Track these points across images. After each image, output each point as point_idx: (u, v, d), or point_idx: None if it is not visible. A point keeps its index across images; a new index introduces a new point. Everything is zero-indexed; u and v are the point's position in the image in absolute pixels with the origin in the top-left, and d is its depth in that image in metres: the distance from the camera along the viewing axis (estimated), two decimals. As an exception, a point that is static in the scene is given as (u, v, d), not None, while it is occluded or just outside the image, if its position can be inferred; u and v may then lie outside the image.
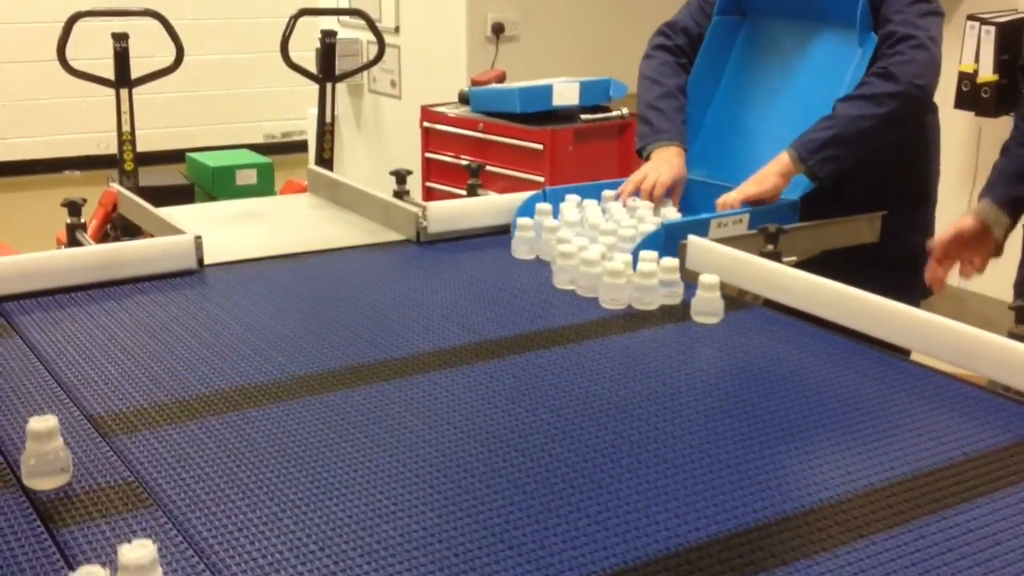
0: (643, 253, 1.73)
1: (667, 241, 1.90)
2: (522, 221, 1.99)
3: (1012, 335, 1.45)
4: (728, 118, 2.35)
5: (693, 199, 2.26)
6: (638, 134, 2.29)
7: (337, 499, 1.13)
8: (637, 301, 1.70)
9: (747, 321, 1.68)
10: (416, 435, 1.28)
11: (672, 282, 1.72)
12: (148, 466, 1.19)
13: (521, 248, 1.97)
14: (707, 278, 1.66)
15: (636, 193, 2.15)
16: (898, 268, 2.14)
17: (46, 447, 1.13)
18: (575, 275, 1.77)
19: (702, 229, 1.96)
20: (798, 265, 1.90)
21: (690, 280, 1.74)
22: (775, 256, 1.87)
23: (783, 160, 2.07)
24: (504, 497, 1.14)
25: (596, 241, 1.84)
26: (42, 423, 1.13)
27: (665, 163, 2.18)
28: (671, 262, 1.72)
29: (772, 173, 2.08)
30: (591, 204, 2.07)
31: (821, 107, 2.12)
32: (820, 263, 2.04)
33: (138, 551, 0.91)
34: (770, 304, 1.76)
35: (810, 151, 2.04)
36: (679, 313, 1.70)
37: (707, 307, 1.66)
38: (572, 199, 2.07)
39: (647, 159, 2.24)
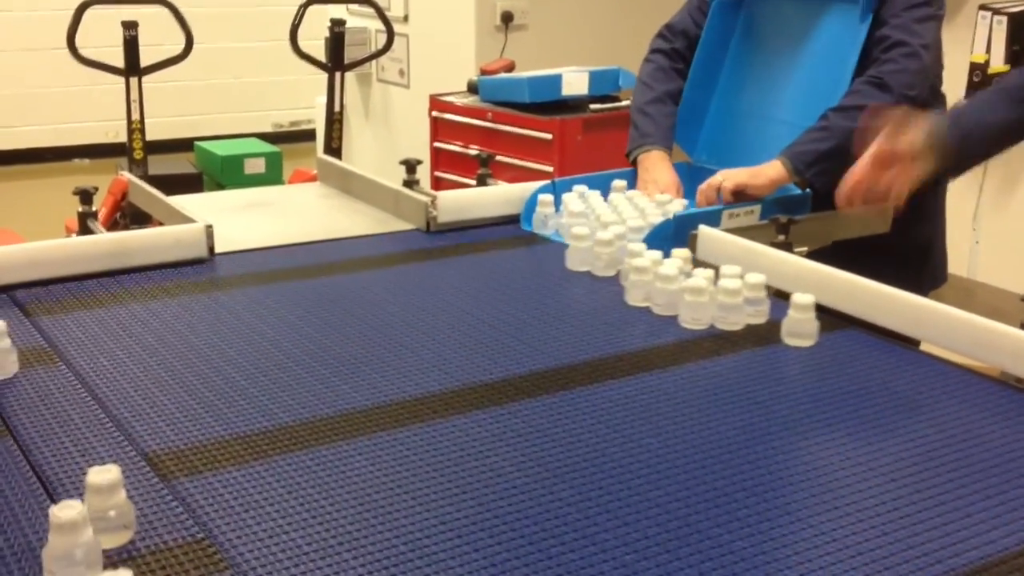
0: (725, 268, 1.63)
1: (677, 232, 1.89)
2: (543, 197, 2.03)
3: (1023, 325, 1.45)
4: (733, 103, 2.34)
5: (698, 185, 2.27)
6: (629, 136, 2.29)
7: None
8: (721, 321, 1.58)
9: (842, 344, 1.55)
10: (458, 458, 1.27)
11: (758, 300, 1.60)
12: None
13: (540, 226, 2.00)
14: (801, 298, 1.53)
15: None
16: (909, 257, 2.16)
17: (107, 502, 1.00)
18: (651, 291, 1.65)
19: (714, 220, 1.96)
20: (809, 255, 1.90)
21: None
22: (786, 246, 1.86)
23: (777, 168, 2.06)
24: (607, 556, 1.02)
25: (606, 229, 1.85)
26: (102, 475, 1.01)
27: (653, 177, 2.18)
28: (757, 278, 1.60)
29: (766, 177, 2.06)
30: (594, 195, 2.07)
31: (826, 88, 2.12)
32: (831, 253, 2.04)
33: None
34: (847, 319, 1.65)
35: (806, 164, 2.04)
36: (766, 333, 1.58)
37: (800, 328, 1.54)
38: (578, 189, 2.07)
39: (634, 163, 2.25)
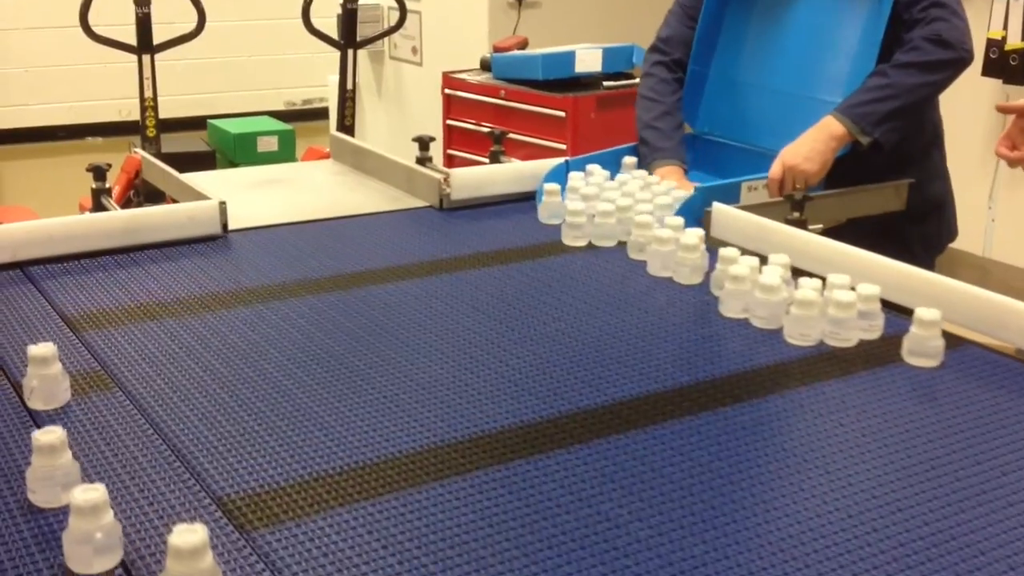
0: (833, 278, 1.48)
1: (704, 206, 1.90)
2: (549, 186, 1.96)
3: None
4: (731, 72, 2.33)
5: (707, 159, 2.26)
6: (639, 154, 2.27)
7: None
8: (832, 337, 1.44)
9: (970, 364, 1.40)
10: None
11: (872, 313, 1.45)
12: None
13: (547, 214, 1.93)
14: (925, 313, 1.38)
15: None
16: (927, 215, 2.20)
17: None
18: (750, 303, 1.51)
19: (734, 192, 1.96)
20: (824, 233, 1.89)
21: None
22: (801, 223, 1.85)
23: (835, 132, 2.03)
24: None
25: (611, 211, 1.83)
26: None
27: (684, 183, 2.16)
28: (871, 290, 1.45)
29: (825, 149, 2.02)
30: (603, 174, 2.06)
31: (821, 55, 2.11)
32: (846, 227, 2.05)
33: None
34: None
35: (873, 123, 2.02)
36: (882, 351, 1.42)
37: (924, 347, 1.38)
38: (588, 170, 2.06)
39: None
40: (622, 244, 1.80)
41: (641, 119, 2.32)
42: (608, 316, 1.53)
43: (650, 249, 1.70)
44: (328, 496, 1.06)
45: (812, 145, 2.02)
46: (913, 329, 1.40)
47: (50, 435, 1.02)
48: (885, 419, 1.25)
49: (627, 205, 1.84)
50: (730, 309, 1.54)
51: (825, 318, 1.43)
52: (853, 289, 1.46)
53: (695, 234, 1.66)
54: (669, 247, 1.67)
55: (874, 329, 1.46)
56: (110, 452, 1.13)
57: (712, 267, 1.63)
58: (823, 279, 1.50)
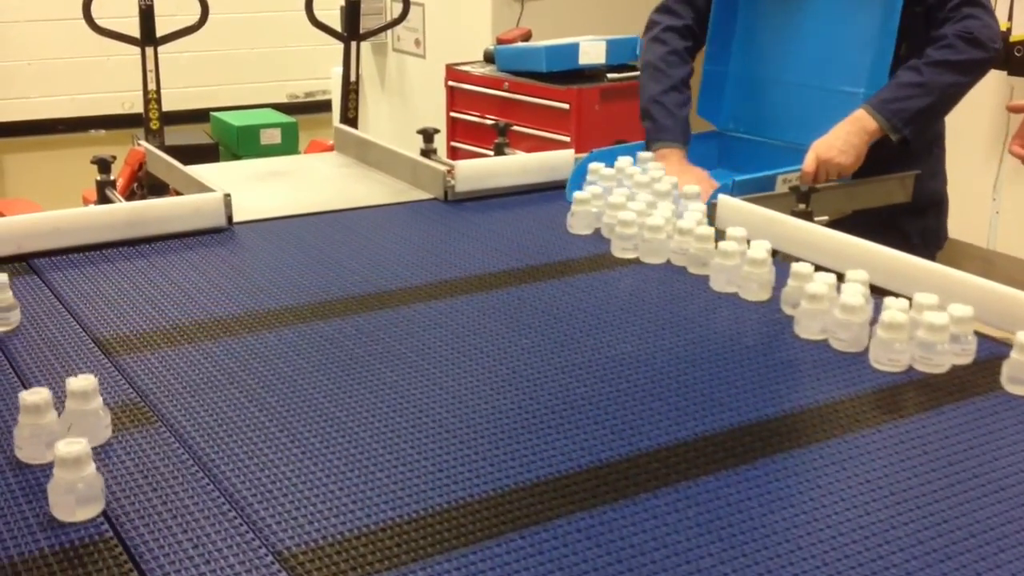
0: (920, 297, 1.38)
1: (737, 193, 1.91)
2: (580, 195, 1.87)
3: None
4: (750, 68, 2.32)
5: (732, 155, 2.25)
6: (644, 126, 2.25)
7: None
8: (923, 362, 1.33)
9: None
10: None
11: (964, 337, 1.35)
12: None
13: (579, 224, 1.83)
14: None
15: None
16: (925, 212, 2.20)
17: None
18: (829, 323, 1.40)
19: (770, 184, 1.98)
20: (830, 224, 1.89)
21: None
22: (807, 215, 1.85)
23: (868, 127, 2.02)
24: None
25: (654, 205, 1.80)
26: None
27: (690, 170, 2.14)
28: (964, 311, 1.34)
29: (859, 143, 2.02)
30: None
31: (839, 47, 2.11)
32: (857, 219, 2.05)
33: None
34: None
35: (904, 121, 2.02)
36: (978, 378, 1.32)
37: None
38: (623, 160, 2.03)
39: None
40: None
41: (646, 90, 2.27)
42: (674, 337, 1.43)
43: (714, 263, 1.59)
44: (397, 549, 0.96)
45: (846, 138, 2.02)
46: (1014, 355, 1.29)
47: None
48: (991, 456, 1.13)
49: (687, 226, 1.68)
50: (807, 330, 1.43)
51: (914, 342, 1.33)
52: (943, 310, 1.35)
53: (763, 247, 1.55)
54: (734, 261, 1.57)
55: (967, 354, 1.35)
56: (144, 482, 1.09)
57: (780, 281, 1.53)
58: (909, 298, 1.38)
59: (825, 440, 1.16)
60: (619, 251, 1.73)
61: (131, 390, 1.26)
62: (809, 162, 2.01)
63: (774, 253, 1.62)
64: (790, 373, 1.33)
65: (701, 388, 1.28)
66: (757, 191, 1.95)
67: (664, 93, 2.24)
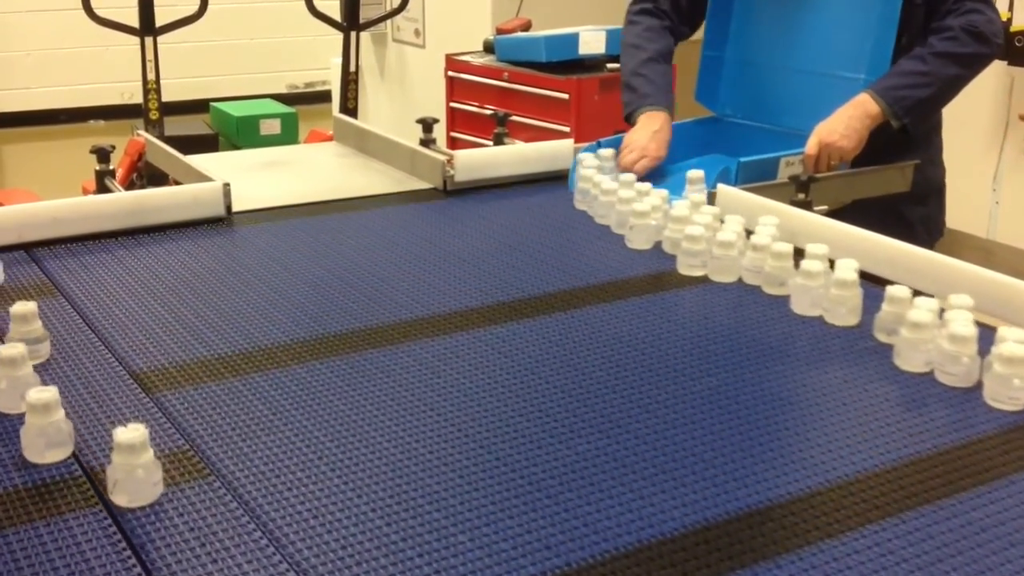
0: (1005, 333, 1.25)
1: (743, 181, 1.92)
2: (640, 208, 1.77)
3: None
4: (748, 54, 2.32)
5: (731, 141, 2.25)
6: (624, 101, 2.23)
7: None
8: (995, 396, 1.21)
9: None
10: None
11: None
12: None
13: (639, 239, 1.72)
14: None
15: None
16: (926, 200, 2.21)
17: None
18: (934, 355, 1.28)
19: (772, 167, 1.99)
20: (830, 213, 1.89)
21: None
22: (806, 205, 1.85)
23: (870, 111, 2.02)
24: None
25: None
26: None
27: (651, 135, 2.09)
28: None
29: (861, 127, 2.02)
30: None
31: (839, 33, 2.10)
32: (857, 206, 2.05)
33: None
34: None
35: (906, 109, 2.03)
36: None
37: None
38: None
39: (634, 125, 2.17)
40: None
41: (625, 67, 2.27)
42: (763, 369, 1.30)
43: (795, 284, 1.47)
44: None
45: (848, 123, 2.02)
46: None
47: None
48: None
49: (762, 242, 1.56)
50: (910, 362, 1.30)
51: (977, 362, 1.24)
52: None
53: (851, 267, 1.44)
54: (818, 282, 1.45)
55: None
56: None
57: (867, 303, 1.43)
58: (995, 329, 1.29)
59: (962, 493, 1.03)
60: (686, 268, 1.61)
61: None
62: (812, 145, 2.01)
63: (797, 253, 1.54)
64: (899, 413, 1.20)
65: (811, 432, 1.16)
66: (760, 174, 1.95)
67: (642, 65, 2.24)
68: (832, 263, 1.49)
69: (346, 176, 2.19)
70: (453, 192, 2.03)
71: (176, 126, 4.84)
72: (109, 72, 6.31)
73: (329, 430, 1.14)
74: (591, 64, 3.90)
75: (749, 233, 1.62)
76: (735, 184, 1.91)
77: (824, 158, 2.02)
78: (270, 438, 1.13)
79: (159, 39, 4.38)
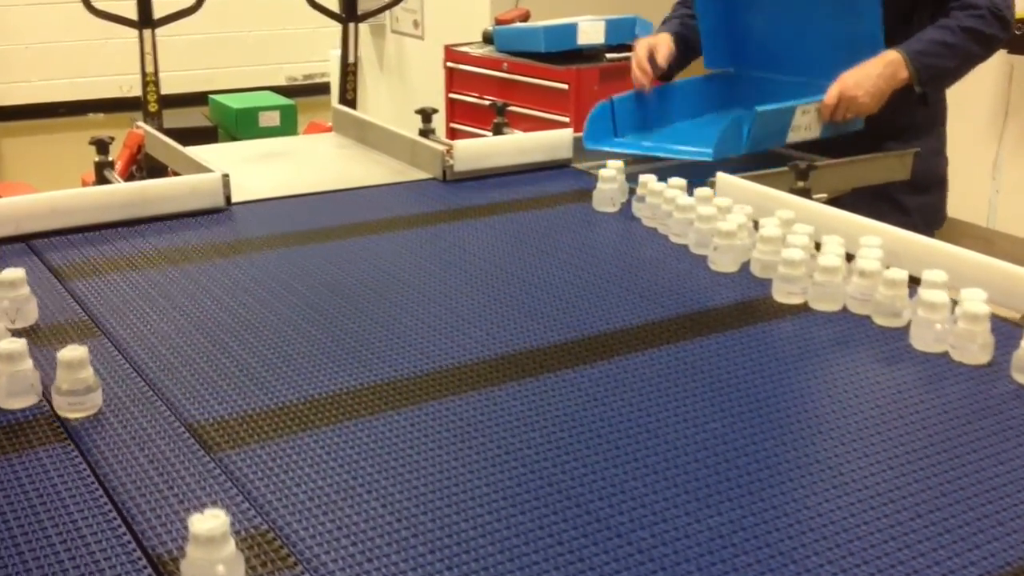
0: None
1: (759, 130, 1.95)
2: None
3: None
4: (760, 10, 2.30)
5: (747, 95, 2.23)
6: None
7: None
8: None
9: None
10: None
11: None
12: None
13: (725, 261, 1.55)
14: None
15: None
16: (927, 190, 2.21)
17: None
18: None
19: (788, 116, 1.99)
20: (828, 202, 1.89)
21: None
22: (805, 193, 1.85)
23: (899, 74, 2.01)
24: None
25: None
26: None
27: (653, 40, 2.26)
28: None
29: (887, 88, 2.01)
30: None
31: None
32: (857, 194, 2.06)
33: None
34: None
35: (931, 77, 2.04)
36: None
37: None
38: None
39: None
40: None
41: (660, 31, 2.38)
42: (895, 419, 1.13)
43: (917, 318, 1.29)
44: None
45: (876, 81, 2.01)
46: None
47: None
48: None
49: (871, 268, 1.38)
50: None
51: None
52: None
53: (980, 298, 1.26)
54: (941, 315, 1.27)
55: None
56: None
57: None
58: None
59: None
60: (783, 296, 1.43)
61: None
62: (832, 95, 2.01)
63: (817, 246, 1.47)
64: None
65: (981, 500, 0.98)
66: (777, 124, 1.94)
67: (673, 17, 2.38)
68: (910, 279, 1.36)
69: (346, 167, 2.19)
70: (453, 182, 2.03)
71: (175, 118, 4.84)
72: (108, 65, 6.31)
73: (420, 499, 0.98)
74: (590, 54, 3.90)
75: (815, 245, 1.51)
76: (747, 137, 1.91)
77: (842, 110, 2.01)
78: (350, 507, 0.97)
79: (158, 32, 4.38)
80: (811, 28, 2.15)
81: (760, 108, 1.97)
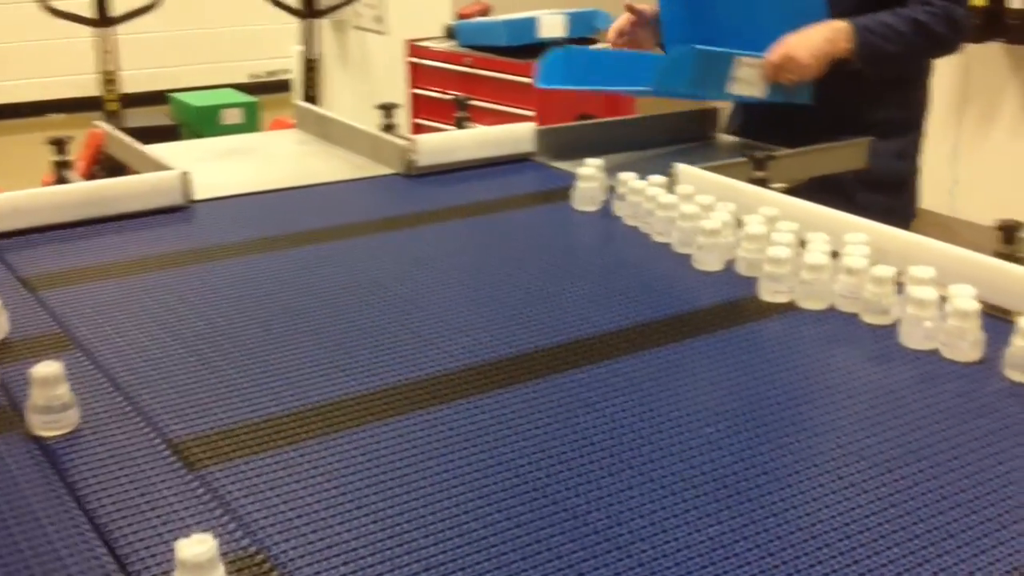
0: None
1: (695, 68, 1.96)
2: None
3: (997, 254, 1.45)
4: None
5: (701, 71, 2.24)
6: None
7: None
8: None
9: None
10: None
11: None
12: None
13: (711, 260, 1.52)
14: None
15: None
16: (891, 191, 2.22)
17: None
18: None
19: (726, 62, 2.01)
20: (789, 191, 1.91)
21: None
22: (763, 182, 1.86)
23: (842, 46, 2.02)
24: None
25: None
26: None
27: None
28: None
29: (831, 52, 2.02)
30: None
31: None
32: (814, 187, 2.06)
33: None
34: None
35: (871, 56, 2.04)
36: None
37: None
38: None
39: None
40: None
41: None
42: (893, 419, 1.11)
43: (907, 316, 1.28)
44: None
45: (819, 44, 2.02)
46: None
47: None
48: None
49: (858, 266, 1.36)
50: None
51: None
52: None
53: (969, 294, 1.25)
54: (930, 312, 1.26)
55: None
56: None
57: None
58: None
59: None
60: (769, 294, 1.41)
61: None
62: (776, 53, 2.03)
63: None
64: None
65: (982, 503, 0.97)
66: (717, 68, 1.97)
67: None
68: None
69: (308, 163, 2.18)
70: (416, 176, 2.03)
71: (136, 117, 4.80)
72: (69, 65, 6.25)
73: (412, 513, 0.95)
74: (552, 47, 3.90)
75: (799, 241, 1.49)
76: (688, 74, 1.94)
77: (784, 70, 2.03)
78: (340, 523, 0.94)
79: (118, 30, 4.35)
80: (761, 4, 2.17)
81: (699, 47, 1.99)
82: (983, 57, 4.15)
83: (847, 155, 2.13)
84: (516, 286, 1.47)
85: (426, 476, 1.00)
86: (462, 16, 4.22)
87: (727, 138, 2.36)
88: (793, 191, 1.95)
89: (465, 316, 1.37)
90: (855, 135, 2.14)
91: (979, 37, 3.98)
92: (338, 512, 0.95)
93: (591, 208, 1.80)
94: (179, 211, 1.83)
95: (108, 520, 0.93)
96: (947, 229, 4.12)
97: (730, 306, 1.41)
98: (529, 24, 3.85)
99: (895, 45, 2.05)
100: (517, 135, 2.14)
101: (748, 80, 2.01)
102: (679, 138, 2.31)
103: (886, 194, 2.22)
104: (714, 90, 2.08)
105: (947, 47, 2.12)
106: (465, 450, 1.05)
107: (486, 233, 1.72)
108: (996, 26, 3.95)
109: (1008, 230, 1.49)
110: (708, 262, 1.53)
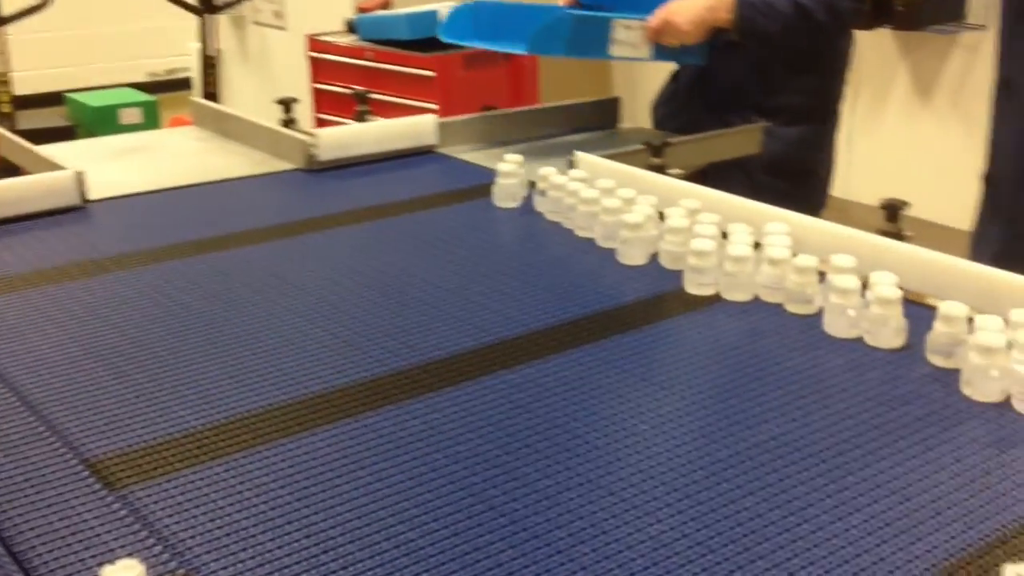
0: None
1: (572, 33, 1.99)
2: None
3: (882, 232, 1.50)
4: None
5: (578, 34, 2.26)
6: None
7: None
8: None
9: None
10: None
11: None
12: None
13: (634, 254, 1.51)
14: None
15: None
16: (798, 180, 2.27)
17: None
18: (1010, 380, 1.12)
19: (605, 27, 2.04)
20: (689, 178, 1.94)
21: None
22: (660, 169, 1.90)
23: (723, 16, 2.08)
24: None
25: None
26: None
27: None
28: None
29: (711, 20, 2.08)
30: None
31: None
32: (719, 175, 2.10)
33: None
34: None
35: (749, 31, 2.09)
36: None
37: None
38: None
39: None
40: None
41: None
42: (821, 408, 1.11)
43: (830, 304, 1.28)
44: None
45: (700, 12, 2.08)
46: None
47: None
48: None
49: (780, 256, 1.36)
50: (984, 392, 1.13)
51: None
52: None
53: (891, 281, 1.26)
54: (853, 300, 1.26)
55: None
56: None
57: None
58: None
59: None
60: (695, 287, 1.40)
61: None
62: (656, 19, 2.07)
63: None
64: (999, 456, 1.03)
65: (908, 481, 0.98)
66: (596, 33, 2.01)
67: None
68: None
69: (207, 160, 2.15)
70: (318, 171, 2.02)
71: (31, 119, 4.69)
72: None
73: (345, 526, 0.92)
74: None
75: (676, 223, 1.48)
76: (561, 35, 1.97)
77: (664, 33, 2.08)
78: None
79: (9, 30, 4.24)
80: None
81: (575, 12, 2.04)
82: (873, 43, 4.27)
83: (741, 141, 2.19)
84: (440, 287, 1.44)
85: (358, 486, 0.97)
86: (362, 10, 4.20)
87: (630, 127, 2.40)
88: (691, 177, 1.99)
89: (390, 319, 1.34)
90: (762, 118, 2.20)
91: (868, 24, 4.09)
92: (268, 528, 0.92)
93: (512, 204, 1.77)
94: (75, 211, 1.79)
95: (27, 547, 0.89)
96: (841, 212, 4.24)
97: (656, 300, 1.40)
98: (430, 17, 3.85)
99: (774, 24, 2.09)
100: (419, 128, 2.15)
101: (630, 42, 2.04)
102: (583, 127, 2.34)
103: (787, 180, 2.26)
104: (595, 52, 2.12)
105: (827, 33, 2.16)
106: (397, 457, 1.02)
107: (407, 233, 1.68)
108: (883, 13, 4.07)
109: (891, 209, 1.54)
110: (632, 256, 1.51)
